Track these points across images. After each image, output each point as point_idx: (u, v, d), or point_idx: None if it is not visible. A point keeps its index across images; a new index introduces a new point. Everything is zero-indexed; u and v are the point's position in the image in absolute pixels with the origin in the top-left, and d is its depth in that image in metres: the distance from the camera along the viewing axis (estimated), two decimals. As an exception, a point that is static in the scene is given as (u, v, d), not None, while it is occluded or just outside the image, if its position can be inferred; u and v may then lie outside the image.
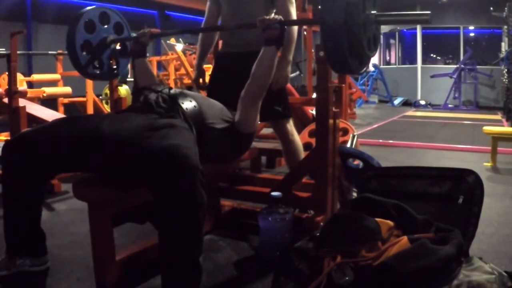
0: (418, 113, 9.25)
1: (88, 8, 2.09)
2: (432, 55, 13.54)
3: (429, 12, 1.53)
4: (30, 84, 5.42)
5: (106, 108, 5.56)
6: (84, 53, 2.08)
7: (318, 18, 1.48)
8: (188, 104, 1.64)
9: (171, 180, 1.23)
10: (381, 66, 12.09)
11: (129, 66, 5.37)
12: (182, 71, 7.18)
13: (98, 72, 2.17)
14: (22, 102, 3.10)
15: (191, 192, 1.24)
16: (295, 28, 2.17)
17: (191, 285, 1.31)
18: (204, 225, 1.32)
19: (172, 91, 1.69)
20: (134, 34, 2.14)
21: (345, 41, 1.42)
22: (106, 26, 2.14)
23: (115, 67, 2.26)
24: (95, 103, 5.39)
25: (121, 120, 1.48)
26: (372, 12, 1.54)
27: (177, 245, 1.26)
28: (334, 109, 1.91)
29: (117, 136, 1.38)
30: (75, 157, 1.43)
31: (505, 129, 4.60)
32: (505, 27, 8.64)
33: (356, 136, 2.74)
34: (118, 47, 2.21)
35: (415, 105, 10.83)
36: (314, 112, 3.24)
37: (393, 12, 1.60)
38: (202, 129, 1.60)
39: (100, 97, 5.86)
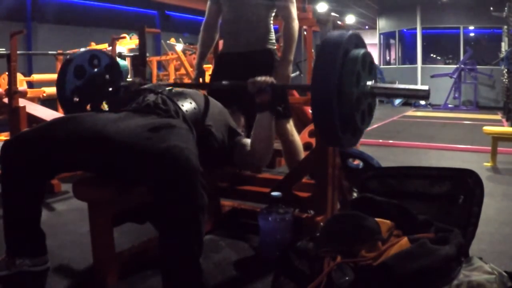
0: (418, 113, 9.25)
1: (78, 53, 2.02)
2: (432, 55, 13.53)
3: (427, 88, 1.40)
4: (30, 84, 5.42)
5: (106, 108, 5.56)
6: (76, 98, 2.00)
7: (309, 89, 1.36)
8: (187, 106, 1.64)
9: (172, 181, 1.23)
10: (381, 66, 12.08)
11: (129, 66, 5.39)
12: (182, 71, 7.19)
13: None
14: (22, 102, 3.10)
15: (192, 193, 1.24)
16: (296, 28, 2.17)
17: (191, 285, 1.30)
18: (204, 226, 1.32)
19: (171, 92, 1.69)
20: (127, 79, 2.08)
21: (336, 117, 1.31)
22: (96, 70, 2.07)
23: (107, 109, 2.17)
24: (95, 103, 5.37)
25: (121, 120, 1.47)
26: (368, 83, 1.42)
27: (178, 246, 1.26)
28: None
29: (118, 136, 1.37)
30: (74, 157, 1.43)
31: (505, 129, 4.60)
32: (505, 27, 8.63)
33: (356, 136, 2.73)
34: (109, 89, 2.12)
35: (415, 105, 10.82)
36: (314, 112, 3.23)
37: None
38: (201, 130, 1.60)
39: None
